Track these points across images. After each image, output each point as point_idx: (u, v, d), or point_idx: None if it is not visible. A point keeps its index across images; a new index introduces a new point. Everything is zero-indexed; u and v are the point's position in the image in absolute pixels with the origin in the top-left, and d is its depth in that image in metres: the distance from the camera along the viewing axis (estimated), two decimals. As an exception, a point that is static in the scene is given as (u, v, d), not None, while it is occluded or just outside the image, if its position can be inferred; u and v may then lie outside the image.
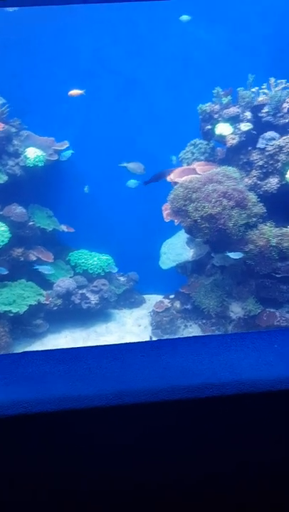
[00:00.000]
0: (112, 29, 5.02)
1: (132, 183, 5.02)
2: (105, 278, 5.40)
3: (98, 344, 4.99)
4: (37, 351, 1.61)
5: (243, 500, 1.39)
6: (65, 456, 1.36)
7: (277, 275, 4.31)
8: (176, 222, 4.50)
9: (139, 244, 5.59)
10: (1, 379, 1.38)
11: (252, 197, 4.28)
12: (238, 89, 4.61)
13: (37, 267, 4.87)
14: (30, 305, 4.78)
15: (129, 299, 5.66)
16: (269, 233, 4.21)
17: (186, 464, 1.39)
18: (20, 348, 4.91)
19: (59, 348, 1.71)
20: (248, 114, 4.58)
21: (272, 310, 4.43)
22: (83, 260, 5.36)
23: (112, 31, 5.03)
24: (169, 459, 1.39)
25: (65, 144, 5.20)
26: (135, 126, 5.27)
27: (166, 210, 4.57)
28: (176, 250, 5.25)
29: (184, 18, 4.80)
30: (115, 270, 5.46)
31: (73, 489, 1.41)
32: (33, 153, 4.87)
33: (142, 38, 5.09)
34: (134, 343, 1.64)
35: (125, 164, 4.82)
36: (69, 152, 5.15)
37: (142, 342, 1.68)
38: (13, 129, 4.88)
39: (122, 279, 5.66)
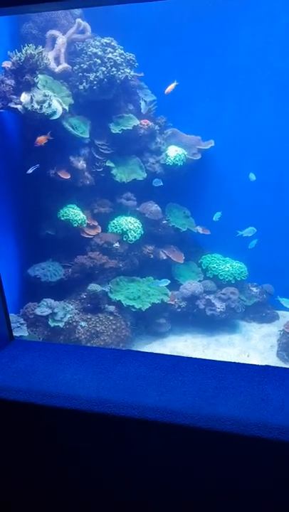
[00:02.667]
0: (270, 26, 4.61)
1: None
2: (236, 286, 5.09)
3: (216, 355, 4.77)
4: (138, 352, 1.64)
5: None
6: (132, 464, 1.34)
7: None
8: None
9: (278, 256, 5.14)
10: (98, 373, 1.45)
11: None
12: None
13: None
14: (153, 303, 4.78)
15: (260, 312, 5.25)
16: None
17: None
18: (141, 344, 4.96)
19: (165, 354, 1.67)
20: None
21: None
22: (215, 265, 5.14)
23: (272, 28, 4.62)
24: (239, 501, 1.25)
25: (210, 144, 4.99)
26: (286, 130, 4.80)
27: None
28: None
29: None
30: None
31: (142, 495, 1.35)
32: (173, 152, 4.78)
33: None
34: (236, 363, 1.52)
35: None
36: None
37: (245, 364, 1.52)
38: (157, 127, 4.84)
39: (254, 290, 5.27)
